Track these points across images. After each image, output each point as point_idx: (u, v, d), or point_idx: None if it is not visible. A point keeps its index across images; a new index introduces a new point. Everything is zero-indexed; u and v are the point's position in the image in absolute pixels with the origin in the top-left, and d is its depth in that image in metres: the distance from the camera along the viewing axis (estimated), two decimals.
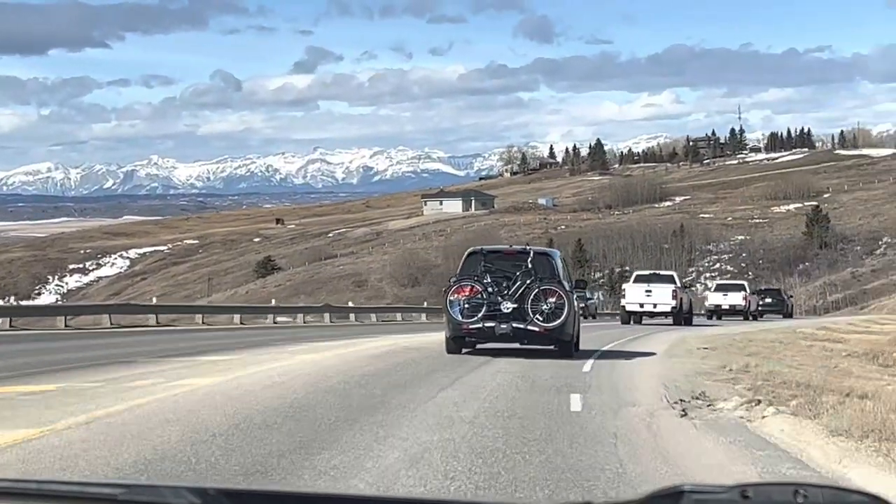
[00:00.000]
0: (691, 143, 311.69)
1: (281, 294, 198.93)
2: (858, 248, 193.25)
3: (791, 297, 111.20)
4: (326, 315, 71.41)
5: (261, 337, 39.23)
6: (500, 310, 26.23)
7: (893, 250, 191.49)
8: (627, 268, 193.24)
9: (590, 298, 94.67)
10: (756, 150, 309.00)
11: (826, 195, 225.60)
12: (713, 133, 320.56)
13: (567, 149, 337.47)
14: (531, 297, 26.07)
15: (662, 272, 61.69)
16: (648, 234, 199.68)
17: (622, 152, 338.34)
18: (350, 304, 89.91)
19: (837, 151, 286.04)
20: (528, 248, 28.79)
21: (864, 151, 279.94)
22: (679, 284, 58.43)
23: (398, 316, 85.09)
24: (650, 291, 57.31)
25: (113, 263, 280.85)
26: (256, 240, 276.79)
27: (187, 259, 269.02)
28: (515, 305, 26.18)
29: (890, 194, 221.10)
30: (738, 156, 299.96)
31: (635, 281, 59.99)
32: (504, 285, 26.52)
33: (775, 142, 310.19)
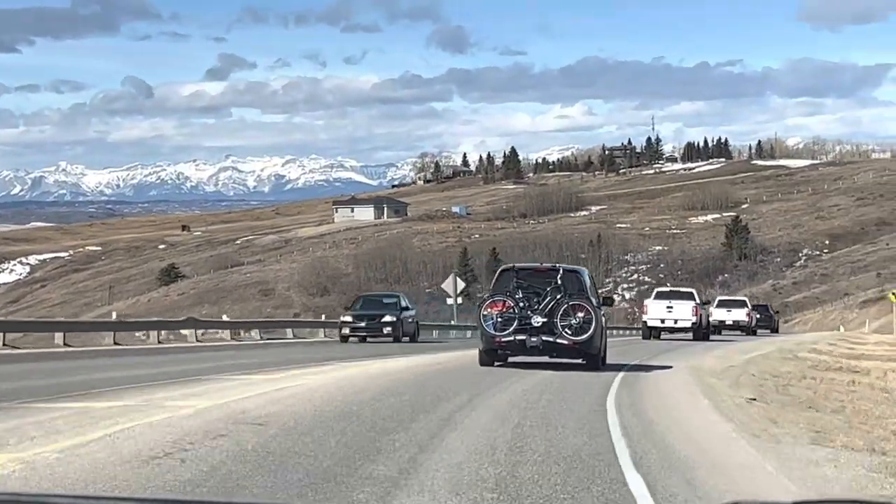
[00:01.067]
0: (607, 153, 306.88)
1: (184, 303, 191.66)
2: (779, 259, 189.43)
3: (777, 312, 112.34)
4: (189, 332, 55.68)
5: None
6: (530, 324, 27.06)
7: (814, 262, 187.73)
8: None
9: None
10: (672, 159, 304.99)
11: (745, 206, 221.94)
12: (629, 142, 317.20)
13: (481, 157, 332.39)
14: (560, 311, 26.96)
15: (683, 289, 63.41)
16: (565, 244, 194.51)
17: (536, 161, 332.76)
18: (225, 317, 78.32)
19: (755, 162, 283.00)
20: (558, 265, 29.46)
21: (782, 162, 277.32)
22: (699, 301, 59.84)
23: (288, 332, 66.87)
24: (671, 308, 58.82)
25: (11, 270, 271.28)
26: (161, 247, 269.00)
27: (89, 266, 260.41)
28: (545, 319, 27.00)
29: (809, 205, 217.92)
30: (655, 165, 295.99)
31: (656, 297, 61.31)
32: (535, 300, 27.37)
33: (691, 152, 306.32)
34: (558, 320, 26.86)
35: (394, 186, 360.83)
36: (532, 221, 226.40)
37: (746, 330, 72.24)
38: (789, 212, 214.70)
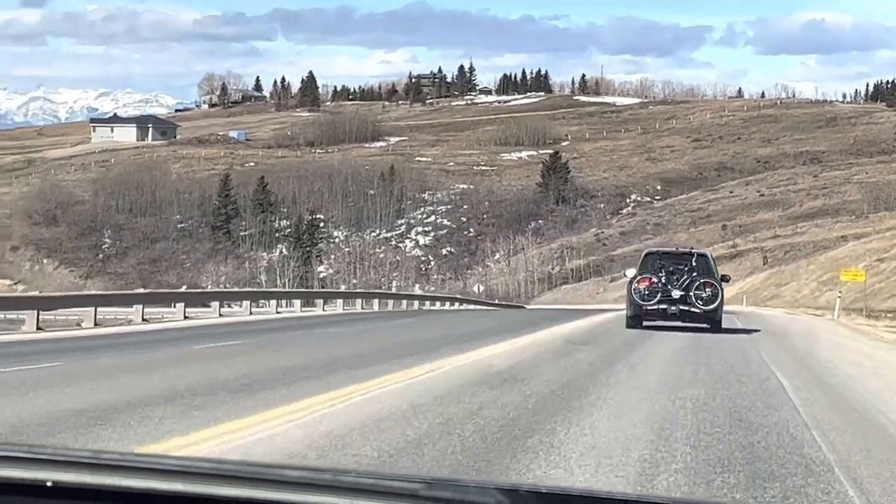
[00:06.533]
0: (413, 80, 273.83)
1: None
2: (603, 205, 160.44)
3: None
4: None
5: None
6: (671, 296, 34.22)
7: (645, 210, 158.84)
8: (321, 215, 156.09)
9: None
10: (486, 91, 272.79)
11: (565, 143, 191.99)
12: (439, 70, 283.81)
13: (275, 82, 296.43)
14: (695, 286, 34.24)
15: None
16: (351, 177, 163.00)
17: (335, 88, 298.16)
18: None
19: (577, 98, 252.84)
20: (692, 250, 37.60)
21: (607, 99, 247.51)
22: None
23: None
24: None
25: None
26: None
27: None
28: (682, 293, 34.21)
29: (637, 146, 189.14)
30: (467, 97, 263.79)
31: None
32: (673, 278, 34.54)
33: (507, 84, 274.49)
34: (693, 294, 34.13)
35: (177, 111, 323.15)
36: (319, 151, 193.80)
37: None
38: (615, 151, 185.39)
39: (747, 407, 14.16)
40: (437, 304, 74.31)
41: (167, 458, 2.04)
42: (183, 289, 56.89)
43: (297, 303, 56.20)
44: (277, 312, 51.15)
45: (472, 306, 77.24)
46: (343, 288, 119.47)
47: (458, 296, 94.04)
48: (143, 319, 39.17)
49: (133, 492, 1.92)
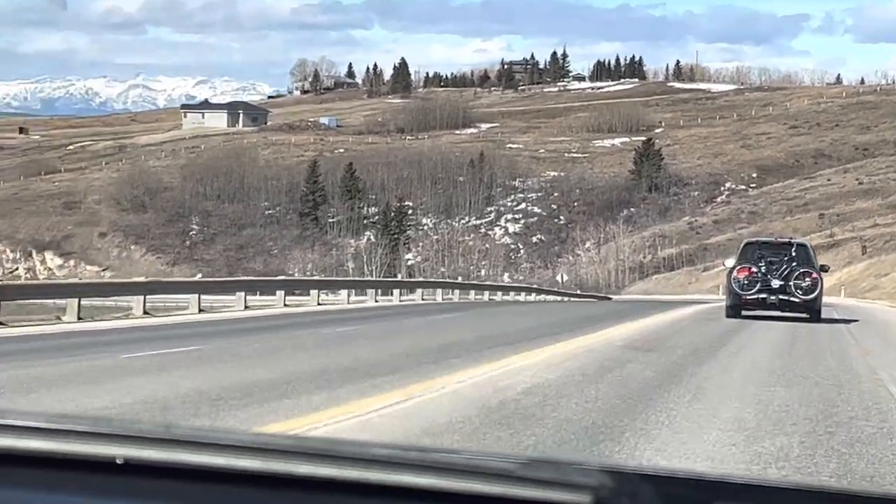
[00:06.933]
0: (506, 67, 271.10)
1: None
2: (696, 193, 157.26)
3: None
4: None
5: None
6: (770, 286, 34.34)
7: (739, 198, 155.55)
8: (409, 202, 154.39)
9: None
10: (580, 78, 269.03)
11: (658, 130, 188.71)
12: (531, 56, 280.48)
13: (368, 69, 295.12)
14: (794, 276, 34.33)
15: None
16: (441, 164, 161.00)
17: (427, 74, 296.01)
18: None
19: (672, 84, 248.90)
20: (791, 240, 38.89)
21: (702, 86, 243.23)
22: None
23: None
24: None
25: None
26: None
27: None
28: (782, 282, 34.26)
29: (732, 133, 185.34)
30: (559, 83, 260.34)
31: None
32: (773, 267, 34.61)
33: (601, 71, 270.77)
34: (792, 283, 34.19)
35: (269, 97, 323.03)
36: (409, 137, 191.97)
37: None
38: (710, 138, 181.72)
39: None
40: (512, 294, 72.13)
41: (243, 434, 1.97)
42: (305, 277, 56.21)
43: (375, 292, 56.72)
44: (376, 301, 53.05)
45: (550, 297, 74.81)
46: (431, 277, 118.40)
47: (535, 286, 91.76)
48: (246, 307, 40.27)
49: (207, 469, 1.85)
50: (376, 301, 53.24)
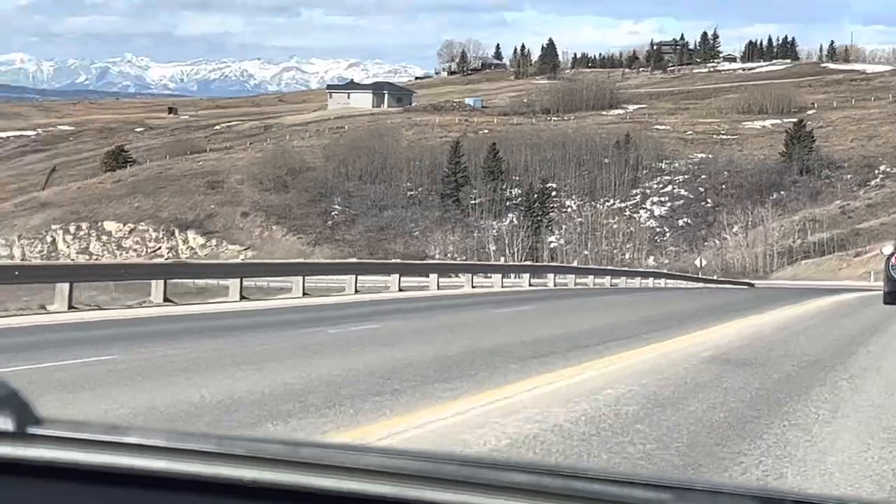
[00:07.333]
0: (655, 47, 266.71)
1: (115, 193, 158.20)
2: (849, 176, 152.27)
3: None
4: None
5: None
6: None
7: (894, 181, 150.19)
8: (552, 184, 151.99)
9: None
10: (730, 59, 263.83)
11: (811, 111, 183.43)
12: (681, 37, 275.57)
13: (515, 49, 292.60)
14: None
15: None
16: (586, 145, 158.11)
17: (575, 55, 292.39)
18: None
19: (825, 65, 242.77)
20: None
21: (857, 66, 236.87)
22: None
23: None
24: None
25: None
26: (139, 130, 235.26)
27: (51, 147, 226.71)
28: None
29: (889, 114, 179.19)
30: (709, 64, 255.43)
31: None
32: None
33: (752, 51, 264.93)
34: None
35: (417, 78, 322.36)
36: (555, 118, 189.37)
37: None
38: (864, 120, 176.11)
39: None
40: (638, 279, 69.90)
41: (373, 451, 1.91)
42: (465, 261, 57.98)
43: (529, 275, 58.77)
44: (530, 285, 55.08)
45: (686, 284, 71.92)
46: (575, 262, 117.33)
47: (665, 271, 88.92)
48: (399, 289, 42.80)
49: (336, 494, 1.79)
50: (530, 285, 54.98)
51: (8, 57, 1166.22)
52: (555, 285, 56.90)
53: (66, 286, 27.88)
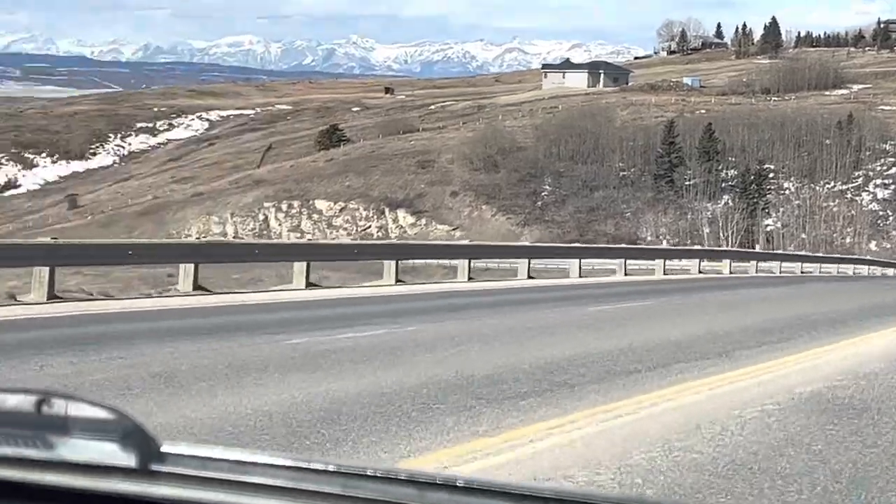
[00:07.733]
0: (882, 26, 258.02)
1: (326, 172, 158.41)
2: None
3: None
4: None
5: None
6: None
7: None
8: (770, 166, 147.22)
9: None
10: None
11: None
12: None
13: (737, 28, 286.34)
14: None
15: None
16: (805, 126, 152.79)
17: (799, 34, 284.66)
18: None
19: None
20: None
21: None
22: None
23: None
24: None
25: (188, 125, 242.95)
26: (355, 109, 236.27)
27: (269, 126, 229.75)
28: None
29: None
30: None
31: None
32: None
33: None
34: None
35: (636, 58, 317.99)
36: (775, 98, 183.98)
37: None
38: None
39: None
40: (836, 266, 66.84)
41: (481, 486, 1.72)
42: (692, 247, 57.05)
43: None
44: (731, 272, 56.05)
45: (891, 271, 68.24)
46: (791, 247, 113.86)
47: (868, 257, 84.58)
48: (626, 273, 45.08)
49: None
50: (731, 272, 55.87)
51: (237, 38, 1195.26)
52: (756, 272, 55.66)
53: (303, 265, 29.88)
